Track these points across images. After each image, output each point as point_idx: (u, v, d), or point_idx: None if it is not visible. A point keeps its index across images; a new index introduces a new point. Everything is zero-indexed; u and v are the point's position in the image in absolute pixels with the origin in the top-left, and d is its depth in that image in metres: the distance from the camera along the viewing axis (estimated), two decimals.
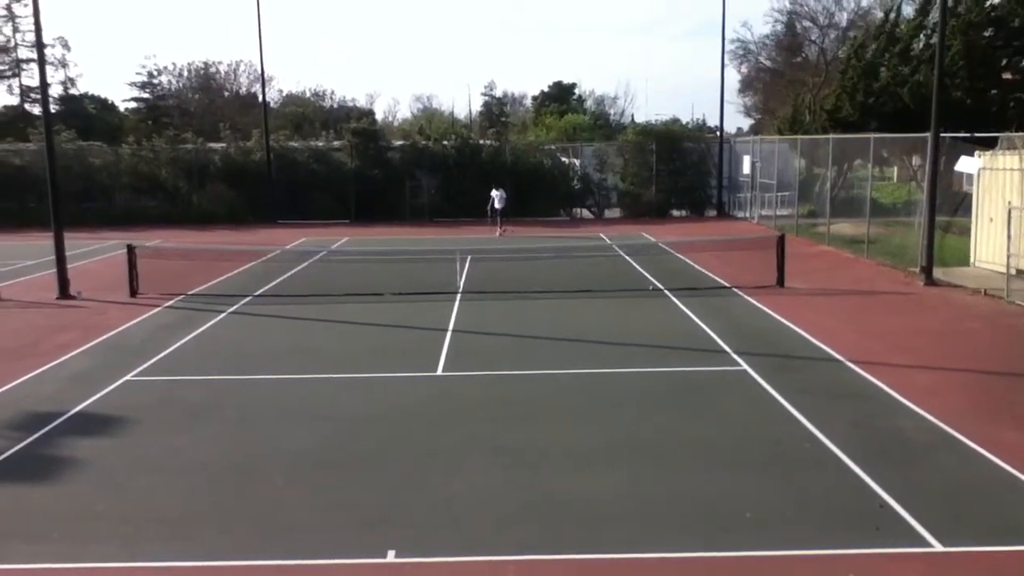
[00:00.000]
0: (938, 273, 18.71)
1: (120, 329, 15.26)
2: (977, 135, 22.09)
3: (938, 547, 6.81)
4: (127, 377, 12.09)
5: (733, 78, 58.80)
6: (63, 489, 8.23)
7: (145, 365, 12.74)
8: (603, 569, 6.60)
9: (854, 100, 30.31)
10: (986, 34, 28.03)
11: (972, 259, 20.12)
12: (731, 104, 75.67)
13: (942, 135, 18.90)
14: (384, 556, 6.81)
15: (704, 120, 67.64)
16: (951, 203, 23.08)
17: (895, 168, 37.61)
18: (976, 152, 20.04)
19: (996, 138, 21.37)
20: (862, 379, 11.47)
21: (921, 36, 30.16)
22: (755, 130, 59.63)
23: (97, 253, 26.04)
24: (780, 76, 53.14)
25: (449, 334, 14.52)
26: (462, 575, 6.55)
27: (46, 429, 9.89)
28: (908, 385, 11.03)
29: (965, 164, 20.22)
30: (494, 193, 30.76)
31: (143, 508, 7.78)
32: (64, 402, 10.88)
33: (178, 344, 14.08)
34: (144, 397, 11.17)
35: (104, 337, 14.63)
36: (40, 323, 15.95)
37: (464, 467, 8.65)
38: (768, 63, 55.59)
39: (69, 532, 7.31)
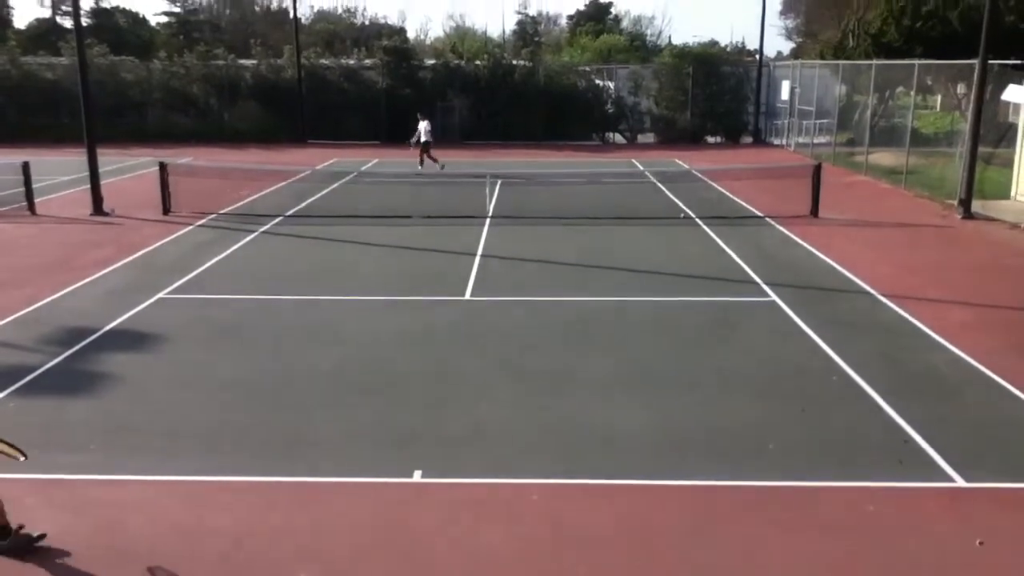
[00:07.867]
0: (977, 206, 18.30)
1: (153, 247, 15.44)
2: None
3: (961, 483, 6.81)
4: (160, 294, 12.27)
5: None
6: (99, 402, 8.45)
7: (178, 283, 12.92)
8: (625, 494, 6.68)
9: (900, 24, 29.26)
10: None
11: (1013, 192, 19.63)
12: (772, 27, 73.68)
13: (991, 62, 18.24)
14: (410, 476, 6.94)
15: (743, 43, 65.92)
16: (995, 134, 22.42)
17: (938, 96, 36.50)
18: None
19: None
20: (893, 313, 11.35)
21: None
22: (795, 54, 57.94)
23: (130, 170, 26.21)
24: None
25: (478, 258, 14.53)
26: (486, 497, 6.67)
27: (82, 344, 10.11)
28: (940, 320, 10.91)
29: (1013, 93, 19.57)
30: (421, 125, 26.66)
31: (176, 423, 7.98)
32: (99, 318, 11.09)
33: (210, 263, 14.23)
34: (177, 314, 11.35)
35: (137, 254, 14.82)
36: (75, 239, 16.16)
37: (490, 391, 8.75)
38: None
39: (106, 444, 7.52)
